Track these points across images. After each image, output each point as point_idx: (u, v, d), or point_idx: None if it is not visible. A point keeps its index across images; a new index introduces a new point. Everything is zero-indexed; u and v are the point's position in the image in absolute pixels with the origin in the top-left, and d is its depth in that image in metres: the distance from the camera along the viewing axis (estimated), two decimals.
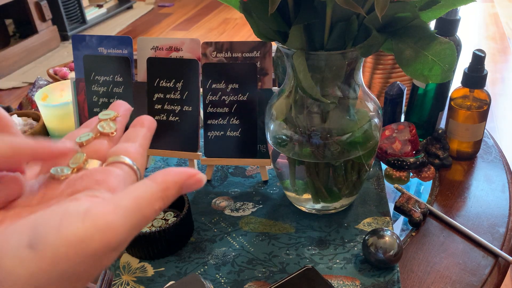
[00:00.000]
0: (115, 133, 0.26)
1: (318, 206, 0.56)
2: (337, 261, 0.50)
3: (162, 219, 0.56)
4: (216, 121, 0.61)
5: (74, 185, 0.23)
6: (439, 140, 0.66)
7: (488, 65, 2.17)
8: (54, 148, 0.24)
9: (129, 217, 0.20)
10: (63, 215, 0.19)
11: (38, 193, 0.24)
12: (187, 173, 0.23)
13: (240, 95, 0.60)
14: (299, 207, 0.58)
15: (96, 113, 0.66)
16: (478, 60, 0.60)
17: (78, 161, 0.24)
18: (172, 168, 0.23)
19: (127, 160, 0.24)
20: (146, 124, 0.27)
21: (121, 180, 0.23)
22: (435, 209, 0.57)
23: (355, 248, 0.52)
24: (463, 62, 0.67)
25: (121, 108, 0.28)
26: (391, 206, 0.58)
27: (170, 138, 0.63)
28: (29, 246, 0.18)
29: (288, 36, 0.42)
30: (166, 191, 0.22)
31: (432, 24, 0.65)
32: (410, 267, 0.50)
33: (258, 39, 0.47)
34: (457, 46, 0.66)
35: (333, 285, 0.46)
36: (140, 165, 0.25)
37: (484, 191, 0.61)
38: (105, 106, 0.65)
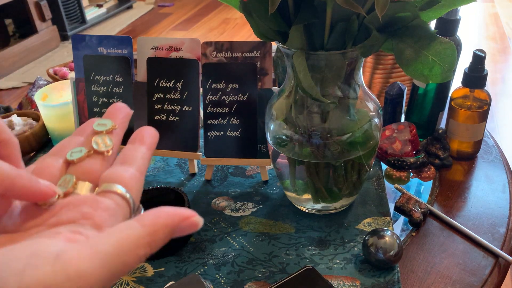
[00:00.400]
0: (110, 152, 0.23)
1: (318, 206, 0.56)
2: (337, 261, 0.50)
3: None
4: (216, 121, 0.61)
5: (58, 215, 0.21)
6: (439, 140, 0.66)
7: (488, 65, 2.17)
8: (34, 187, 0.21)
9: (107, 265, 0.18)
10: (31, 256, 0.17)
11: (18, 217, 0.21)
12: (180, 215, 0.20)
13: (240, 95, 0.60)
14: (299, 207, 0.58)
15: (96, 113, 0.66)
16: (478, 60, 0.60)
17: (67, 185, 0.22)
18: (164, 208, 0.20)
19: (120, 190, 0.22)
20: (147, 141, 0.24)
21: (110, 214, 0.21)
22: (435, 209, 0.57)
23: (355, 248, 0.52)
24: (464, 62, 0.67)
25: (119, 114, 0.25)
26: (391, 206, 0.58)
27: (170, 138, 0.63)
28: None
29: (288, 36, 0.42)
30: (154, 236, 0.19)
31: (432, 24, 0.64)
32: (410, 267, 0.50)
33: (258, 39, 0.47)
34: (457, 46, 0.66)
35: (333, 285, 0.46)
36: (136, 192, 0.22)
37: (484, 191, 0.61)
38: (105, 106, 0.65)
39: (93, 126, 0.25)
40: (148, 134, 0.25)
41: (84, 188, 0.22)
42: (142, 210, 0.22)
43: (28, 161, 0.73)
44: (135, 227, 0.19)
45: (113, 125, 0.25)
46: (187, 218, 0.20)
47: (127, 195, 0.22)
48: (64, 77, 1.01)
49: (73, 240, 0.19)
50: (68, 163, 0.23)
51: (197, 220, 0.20)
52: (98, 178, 0.23)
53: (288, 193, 0.58)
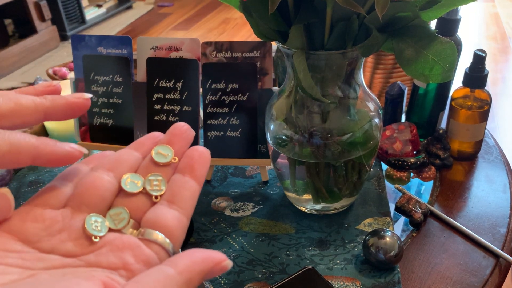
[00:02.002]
0: (159, 198, 0.22)
1: (318, 206, 0.56)
2: (338, 261, 0.50)
3: None
4: (216, 121, 0.61)
5: (99, 254, 0.20)
6: (440, 140, 0.66)
7: (489, 65, 2.17)
8: (59, 150, 0.21)
9: None
10: None
11: (56, 236, 0.20)
12: (213, 259, 0.19)
13: (240, 95, 0.60)
14: (299, 208, 0.58)
15: (96, 113, 0.66)
16: (479, 60, 0.60)
17: (119, 223, 0.21)
18: (196, 252, 0.19)
19: (161, 238, 0.21)
20: (198, 172, 0.23)
21: (149, 267, 0.20)
22: (436, 209, 0.57)
23: (356, 249, 0.52)
24: (464, 62, 0.67)
25: (181, 140, 0.24)
26: (392, 207, 0.58)
27: None
28: None
29: (288, 35, 0.42)
30: (189, 284, 0.18)
31: (432, 24, 0.64)
32: (410, 268, 0.49)
33: (258, 39, 0.47)
34: (458, 46, 0.65)
35: (333, 286, 0.46)
36: (178, 240, 0.21)
37: (485, 192, 0.61)
38: (105, 106, 0.65)
39: (152, 154, 0.23)
40: (200, 163, 0.23)
41: (128, 225, 0.22)
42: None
43: None
44: (171, 276, 0.18)
45: (173, 158, 0.23)
46: (219, 262, 0.20)
47: (169, 247, 0.21)
48: (63, 77, 1.01)
49: (111, 287, 0.18)
50: (120, 189, 0.22)
51: (228, 264, 0.20)
52: (142, 215, 0.22)
53: (288, 194, 0.58)
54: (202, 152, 0.23)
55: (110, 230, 0.21)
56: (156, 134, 0.25)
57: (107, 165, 0.23)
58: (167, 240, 0.21)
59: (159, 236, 0.21)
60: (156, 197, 0.22)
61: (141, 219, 0.22)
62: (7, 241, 0.19)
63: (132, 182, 0.22)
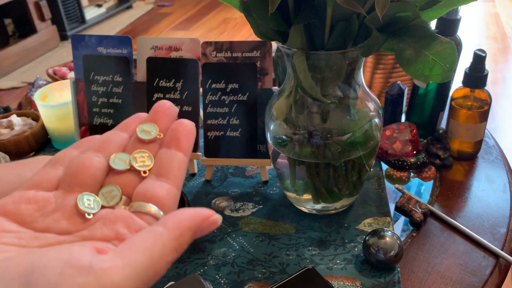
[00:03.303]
0: (147, 173, 0.23)
1: (318, 206, 0.56)
2: (338, 261, 0.50)
3: None
4: (216, 121, 0.61)
5: (92, 228, 0.20)
6: (439, 140, 0.66)
7: (489, 65, 2.17)
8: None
9: (139, 275, 0.17)
10: (65, 266, 0.17)
11: (49, 216, 0.21)
12: (201, 215, 0.20)
13: (240, 95, 0.60)
14: (299, 208, 0.58)
15: (96, 113, 0.66)
16: (479, 60, 0.60)
17: (111, 200, 0.22)
18: (184, 210, 0.20)
19: (153, 210, 0.21)
20: (184, 144, 0.23)
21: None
22: (435, 209, 0.57)
23: (356, 249, 0.52)
24: (464, 62, 0.67)
25: (165, 117, 0.24)
26: (392, 207, 0.58)
27: None
28: None
29: (288, 35, 0.42)
30: (180, 240, 0.19)
31: (432, 24, 0.64)
32: (410, 268, 0.49)
33: (258, 39, 0.47)
34: (458, 46, 0.65)
35: (333, 285, 0.46)
36: (171, 211, 0.22)
37: (485, 192, 0.61)
38: (105, 106, 0.65)
39: (137, 132, 0.24)
40: (185, 135, 0.24)
41: (120, 202, 0.22)
42: None
43: None
44: (161, 232, 0.19)
45: (158, 134, 0.24)
46: (207, 217, 0.20)
47: (161, 216, 0.21)
48: (63, 77, 1.01)
49: (103, 251, 0.18)
50: (110, 168, 0.23)
51: (217, 218, 0.20)
52: (132, 191, 0.22)
53: (288, 194, 0.58)
54: (186, 124, 0.24)
55: (102, 207, 0.22)
56: (141, 115, 0.25)
57: (96, 146, 0.23)
58: (160, 211, 0.21)
59: (151, 208, 0.21)
60: (144, 171, 0.23)
61: (132, 195, 0.22)
62: (3, 223, 0.20)
63: (120, 161, 0.23)
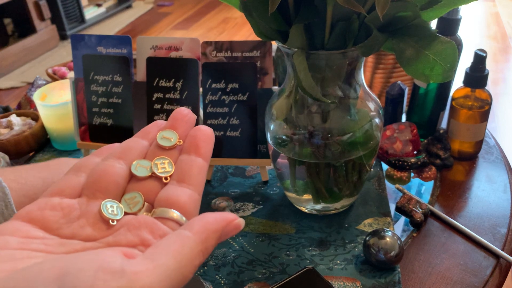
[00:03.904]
0: (168, 179, 0.23)
1: (318, 206, 0.56)
2: (338, 262, 0.50)
3: None
4: (216, 121, 0.61)
5: (117, 234, 0.21)
6: (440, 140, 0.66)
7: (489, 64, 2.17)
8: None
9: (169, 278, 0.18)
10: (97, 270, 0.17)
11: (74, 222, 0.21)
12: (225, 219, 0.20)
13: (240, 95, 0.60)
14: (299, 208, 0.58)
15: (95, 113, 0.66)
16: (479, 59, 0.60)
17: (134, 206, 0.22)
18: (209, 214, 0.21)
19: (176, 216, 0.21)
20: (203, 150, 0.24)
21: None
22: (436, 209, 0.57)
23: (356, 249, 0.51)
24: (465, 61, 0.67)
25: (183, 124, 0.25)
26: (392, 207, 0.58)
27: None
28: None
29: (289, 35, 0.42)
30: (206, 243, 0.19)
31: (433, 24, 0.64)
32: (411, 268, 0.49)
33: (258, 39, 0.47)
34: (458, 45, 0.65)
35: (333, 286, 0.46)
36: (192, 213, 0.22)
37: (485, 192, 0.60)
38: (104, 105, 0.65)
39: (157, 139, 0.24)
40: (204, 141, 0.24)
41: (143, 209, 0.22)
42: None
43: (27, 161, 0.73)
44: (188, 236, 0.19)
45: (178, 141, 0.24)
46: (232, 221, 0.21)
47: (183, 220, 0.22)
48: (63, 77, 1.01)
49: (131, 256, 0.19)
50: (132, 174, 0.23)
51: (240, 222, 0.21)
52: (154, 197, 0.23)
53: (288, 194, 0.58)
54: (205, 130, 0.24)
55: (125, 214, 0.22)
56: (160, 122, 0.26)
57: (117, 154, 0.24)
58: (183, 217, 0.22)
59: (174, 213, 0.21)
60: (165, 178, 0.23)
61: (154, 201, 0.23)
62: (30, 229, 0.20)
63: (141, 167, 0.23)
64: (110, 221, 0.21)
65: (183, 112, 0.25)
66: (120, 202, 0.22)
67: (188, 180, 0.23)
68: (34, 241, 0.20)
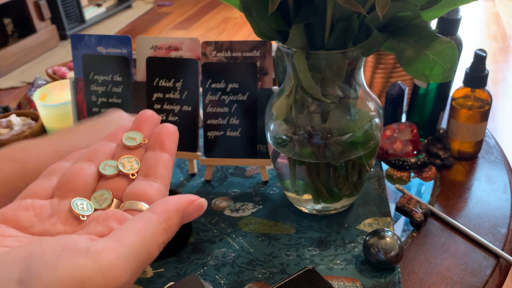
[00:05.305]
0: (135, 175, 0.24)
1: (318, 206, 0.56)
2: (338, 262, 0.50)
3: None
4: (216, 121, 0.61)
5: (86, 228, 0.21)
6: (440, 140, 0.66)
7: (489, 64, 2.17)
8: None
9: (133, 255, 0.19)
10: (61, 250, 0.17)
11: (46, 220, 0.22)
12: (187, 200, 0.22)
13: (240, 95, 0.60)
14: (299, 208, 0.58)
15: (95, 113, 0.66)
16: (479, 59, 0.60)
17: (103, 202, 0.23)
18: (170, 197, 0.22)
19: (144, 208, 0.22)
20: (167, 146, 0.25)
21: None
22: (436, 209, 0.57)
23: (356, 249, 0.51)
24: (465, 61, 0.67)
25: (148, 124, 0.26)
26: (392, 207, 0.58)
27: None
28: (19, 282, 0.16)
29: (288, 35, 0.42)
30: (168, 222, 0.21)
31: (433, 24, 0.64)
32: (411, 268, 0.49)
33: (258, 39, 0.47)
34: (458, 45, 0.65)
35: (333, 286, 0.46)
36: None
37: (485, 192, 0.60)
38: (104, 105, 0.65)
39: (122, 140, 0.25)
40: (168, 136, 0.25)
41: (112, 205, 0.23)
42: None
43: None
44: (150, 217, 0.20)
45: (143, 139, 0.25)
46: (193, 201, 0.22)
47: None
48: (63, 77, 1.01)
49: (96, 239, 0.20)
50: (100, 175, 0.24)
51: (202, 202, 0.22)
52: (123, 194, 0.24)
53: (288, 194, 0.58)
54: (169, 127, 0.25)
55: (95, 210, 0.23)
56: (127, 125, 0.27)
57: (86, 157, 0.25)
58: (149, 207, 0.22)
59: (143, 205, 0.23)
60: (132, 174, 0.24)
61: (123, 196, 0.24)
62: (3, 229, 0.21)
63: (109, 167, 0.24)
64: (80, 216, 0.22)
65: (147, 114, 0.26)
66: (90, 200, 0.23)
67: (154, 174, 0.24)
68: (7, 239, 0.20)
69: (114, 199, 0.23)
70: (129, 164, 0.24)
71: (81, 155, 0.25)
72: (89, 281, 0.17)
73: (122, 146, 0.25)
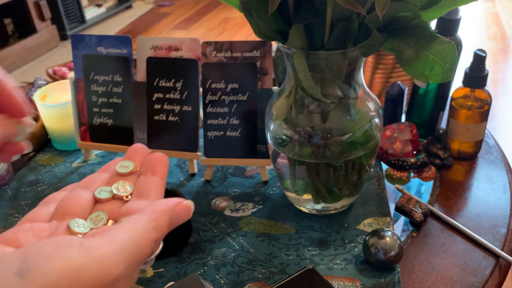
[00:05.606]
0: (129, 197, 0.26)
1: (318, 206, 0.56)
2: (338, 261, 0.50)
3: None
4: (216, 121, 0.61)
5: None
6: (440, 140, 0.66)
7: (489, 64, 2.17)
8: (16, 102, 0.24)
9: (125, 249, 0.20)
10: (57, 245, 0.19)
11: (45, 238, 0.23)
12: (174, 201, 0.23)
13: (240, 95, 0.60)
14: (299, 208, 0.58)
15: (95, 113, 0.66)
16: (479, 59, 0.60)
17: (99, 222, 0.24)
18: (158, 200, 0.24)
19: None
20: (158, 170, 0.27)
21: None
22: (436, 209, 0.57)
23: (356, 249, 0.52)
24: (464, 62, 0.67)
25: (139, 155, 0.28)
26: (392, 207, 0.58)
27: (170, 138, 0.63)
28: (18, 274, 0.17)
29: (288, 35, 0.42)
30: (158, 221, 0.22)
31: (433, 24, 0.64)
32: (411, 268, 0.49)
33: (258, 39, 0.47)
34: (458, 45, 0.65)
35: (333, 286, 0.46)
36: None
37: (485, 192, 0.60)
38: (104, 105, 0.65)
39: (116, 168, 0.27)
40: (159, 163, 0.27)
41: (108, 224, 0.25)
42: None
43: (27, 161, 0.73)
44: (140, 217, 0.22)
45: (135, 167, 0.27)
46: (179, 202, 0.24)
47: None
48: (63, 77, 1.01)
49: (89, 238, 0.21)
50: (96, 200, 0.26)
51: (188, 203, 0.24)
52: (117, 214, 0.25)
53: (288, 194, 0.58)
54: (159, 155, 0.27)
55: (91, 229, 0.24)
56: (119, 158, 0.29)
57: (82, 185, 0.27)
58: None
59: None
60: (126, 196, 0.26)
61: (117, 216, 0.25)
62: (2, 248, 0.22)
63: (104, 192, 0.26)
64: (78, 234, 0.23)
65: (138, 147, 0.29)
66: (86, 221, 0.25)
67: (147, 195, 0.25)
68: None
69: (110, 219, 0.25)
70: (123, 188, 0.26)
71: (77, 184, 0.27)
72: (84, 271, 0.18)
73: (116, 174, 0.27)
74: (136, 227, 0.21)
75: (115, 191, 0.26)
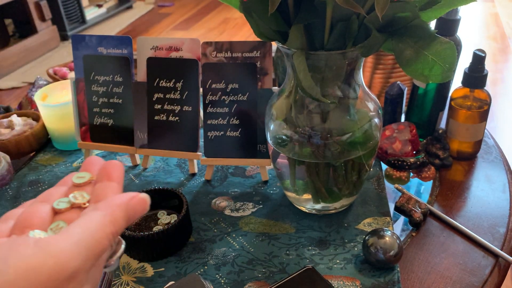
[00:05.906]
0: (87, 204, 0.26)
1: (318, 206, 0.56)
2: (337, 261, 0.50)
3: (163, 224, 0.56)
4: (216, 121, 0.61)
5: None
6: (439, 140, 0.66)
7: (488, 65, 2.17)
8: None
9: (81, 243, 0.20)
10: (11, 245, 0.19)
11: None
12: (129, 195, 0.24)
13: (240, 95, 0.60)
14: (299, 207, 0.58)
15: (96, 113, 0.66)
16: (478, 60, 0.60)
17: (59, 230, 0.24)
18: (113, 196, 0.24)
19: None
20: (114, 175, 0.27)
21: None
22: (435, 209, 0.57)
23: (355, 249, 0.52)
24: (464, 62, 0.67)
25: (95, 165, 0.28)
26: (392, 206, 0.58)
27: (170, 138, 0.63)
28: None
29: (288, 36, 0.42)
30: (113, 215, 0.23)
31: (432, 24, 0.64)
32: (410, 268, 0.50)
33: (258, 39, 0.47)
34: (458, 46, 0.65)
35: (333, 285, 0.46)
36: None
37: (484, 191, 0.61)
38: (105, 106, 0.65)
39: (72, 179, 0.27)
40: (114, 168, 0.27)
41: None
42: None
43: (28, 161, 0.73)
44: (94, 212, 0.23)
45: (91, 177, 0.27)
46: (135, 196, 0.24)
47: None
48: (64, 77, 1.01)
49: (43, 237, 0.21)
50: (55, 211, 0.26)
51: (143, 196, 0.24)
52: None
53: (288, 193, 0.58)
54: (114, 162, 0.28)
55: None
56: (75, 172, 0.29)
57: (40, 199, 0.26)
58: None
59: None
60: (84, 204, 0.26)
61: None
62: None
63: (62, 202, 0.26)
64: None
65: (93, 159, 0.29)
66: (46, 232, 0.25)
67: (104, 199, 0.25)
68: None
69: None
70: (81, 197, 0.26)
71: (35, 199, 0.27)
72: (40, 268, 0.18)
73: (73, 185, 0.27)
74: (91, 221, 0.21)
75: (73, 200, 0.26)
